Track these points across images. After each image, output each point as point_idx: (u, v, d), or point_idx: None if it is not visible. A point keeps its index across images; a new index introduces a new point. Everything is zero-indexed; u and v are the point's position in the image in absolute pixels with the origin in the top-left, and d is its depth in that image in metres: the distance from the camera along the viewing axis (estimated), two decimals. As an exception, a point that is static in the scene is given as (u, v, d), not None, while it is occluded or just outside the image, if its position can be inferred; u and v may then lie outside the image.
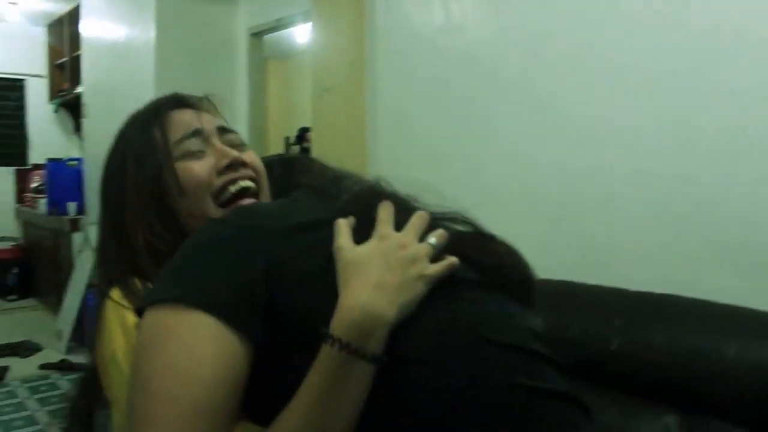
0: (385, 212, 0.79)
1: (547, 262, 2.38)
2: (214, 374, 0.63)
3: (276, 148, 4.80)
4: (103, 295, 0.93)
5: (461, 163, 2.65)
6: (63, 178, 5.37)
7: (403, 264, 0.72)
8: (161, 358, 0.65)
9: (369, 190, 0.87)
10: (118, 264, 0.94)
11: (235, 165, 0.95)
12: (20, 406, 3.79)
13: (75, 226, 5.13)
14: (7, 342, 4.85)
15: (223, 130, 0.99)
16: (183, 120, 0.97)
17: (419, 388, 0.70)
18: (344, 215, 0.79)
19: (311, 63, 3.62)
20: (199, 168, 0.93)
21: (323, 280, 0.73)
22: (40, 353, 4.74)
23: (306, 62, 5.34)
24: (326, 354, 0.67)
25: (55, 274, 5.51)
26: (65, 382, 4.18)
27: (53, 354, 4.70)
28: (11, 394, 3.98)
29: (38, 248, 6.03)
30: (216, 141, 0.97)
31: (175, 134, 0.95)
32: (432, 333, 0.73)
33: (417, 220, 0.80)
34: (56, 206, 5.32)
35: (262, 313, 0.69)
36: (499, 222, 2.69)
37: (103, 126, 4.90)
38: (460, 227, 0.90)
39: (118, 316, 0.91)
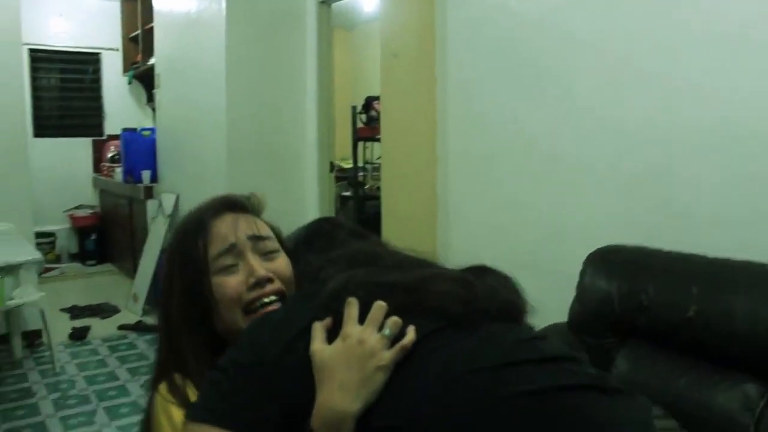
0: (349, 310, 0.90)
1: (624, 227, 2.35)
2: None
3: (343, 116, 4.83)
4: (154, 388, 1.09)
5: (535, 128, 2.62)
6: (137, 147, 5.56)
7: (362, 360, 0.84)
8: None
9: (341, 287, 0.94)
10: (166, 362, 1.10)
11: (261, 283, 1.07)
12: (102, 363, 3.99)
13: (149, 193, 5.32)
14: (87, 304, 5.10)
15: (256, 239, 1.11)
16: (221, 233, 1.09)
17: None
18: (321, 315, 0.91)
19: (381, 29, 3.62)
20: (231, 285, 1.06)
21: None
22: (117, 315, 4.97)
23: (372, 31, 5.34)
24: None
25: (130, 240, 5.74)
26: (142, 342, 4.37)
27: (130, 316, 4.91)
28: (94, 352, 4.19)
29: (114, 215, 6.28)
30: (249, 255, 1.09)
31: (213, 249, 1.08)
32: (405, 399, 0.84)
33: (375, 312, 0.88)
34: (131, 175, 5.51)
35: (272, 425, 0.85)
36: (576, 187, 2.65)
37: (175, 96, 5.04)
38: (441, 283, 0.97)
39: (165, 409, 1.05)
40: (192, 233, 1.11)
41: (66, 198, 6.65)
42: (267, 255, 1.12)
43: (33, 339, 4.23)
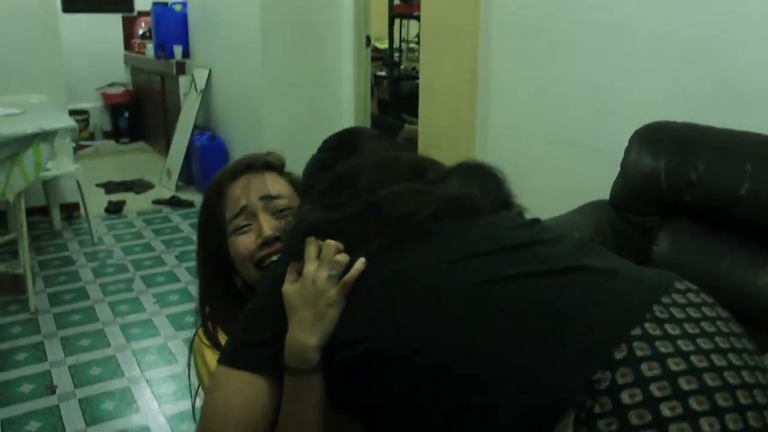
0: (308, 250, 0.97)
1: (676, 103, 2.23)
2: (236, 415, 0.95)
3: (378, 24, 4.65)
4: (196, 332, 1.25)
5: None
6: (169, 22, 5.42)
7: (315, 298, 0.93)
8: (213, 398, 0.98)
9: (305, 226, 1.02)
10: (201, 310, 1.25)
11: (270, 241, 1.16)
12: (138, 235, 4.07)
13: (181, 69, 5.23)
14: (122, 180, 5.15)
15: (267, 199, 1.20)
16: (235, 196, 1.20)
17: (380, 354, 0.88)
18: (291, 255, 1.00)
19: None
20: (243, 244, 1.17)
21: None
22: (152, 190, 5.02)
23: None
24: (286, 376, 0.94)
25: (163, 116, 5.72)
26: (176, 216, 4.43)
27: (164, 191, 4.97)
28: (129, 225, 4.27)
29: (147, 92, 6.23)
30: (260, 215, 1.18)
31: (229, 212, 1.20)
32: (357, 316, 0.92)
33: (325, 252, 0.96)
34: (163, 50, 5.41)
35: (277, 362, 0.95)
36: (629, 61, 2.51)
37: (207, -34, 4.84)
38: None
39: (200, 350, 1.22)
40: (212, 199, 1.23)
41: (97, 75, 6.58)
42: (278, 213, 1.19)
43: (71, 211, 4.32)
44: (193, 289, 3.03)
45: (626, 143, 2.11)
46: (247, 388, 0.95)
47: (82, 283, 3.30)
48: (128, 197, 4.79)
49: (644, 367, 0.75)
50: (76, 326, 2.85)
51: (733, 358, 0.79)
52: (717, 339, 0.81)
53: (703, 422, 0.71)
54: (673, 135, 2.02)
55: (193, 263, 3.55)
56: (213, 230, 1.21)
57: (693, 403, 0.72)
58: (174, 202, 4.67)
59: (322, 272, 0.94)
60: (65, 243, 3.90)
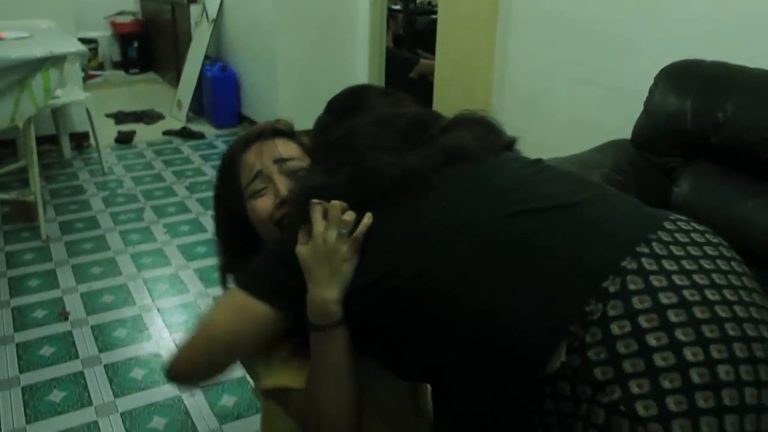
0: (313, 213, 1.03)
1: (707, 42, 2.15)
2: (237, 330, 1.06)
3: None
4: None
5: None
6: (178, -53, 5.26)
7: (328, 257, 0.99)
8: (220, 312, 1.09)
9: (306, 191, 1.08)
10: (222, 268, 1.32)
11: (286, 201, 1.17)
12: (148, 165, 4.04)
13: (192, -3, 5.11)
14: (132, 110, 5.09)
15: (281, 162, 1.24)
16: (249, 163, 1.24)
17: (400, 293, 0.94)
18: (299, 219, 1.06)
19: None
20: (262, 207, 1.21)
21: None
22: (162, 121, 4.97)
23: None
24: (311, 333, 1.02)
25: (173, 47, 5.61)
26: (186, 147, 4.40)
27: (174, 122, 4.91)
28: (140, 155, 4.24)
29: (157, 22, 6.09)
30: (275, 177, 1.22)
31: (245, 178, 1.24)
32: (372, 265, 0.99)
33: (332, 213, 1.01)
34: (173, -22, 5.27)
35: (291, 297, 1.03)
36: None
37: None
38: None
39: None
40: (227, 169, 1.28)
41: (106, 3, 6.43)
42: (293, 174, 1.23)
43: (80, 141, 4.28)
44: (204, 221, 3.04)
45: (651, 82, 2.05)
46: (256, 313, 1.04)
47: (92, 212, 3.30)
48: (138, 128, 4.74)
49: (635, 300, 0.79)
50: (88, 254, 2.86)
51: (728, 293, 0.81)
52: (714, 276, 0.83)
53: (687, 351, 0.75)
54: (701, 74, 1.96)
55: (203, 195, 3.56)
56: (231, 198, 1.27)
57: (679, 334, 0.76)
58: (185, 133, 4.62)
59: (331, 232, 1.01)
60: (75, 172, 3.88)
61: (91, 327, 2.32)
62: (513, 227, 0.90)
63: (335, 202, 1.02)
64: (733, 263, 0.87)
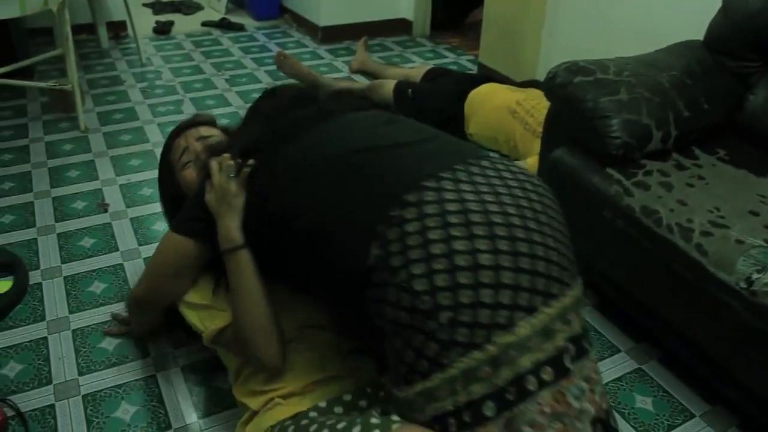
0: (212, 166, 1.37)
1: None
2: (174, 263, 1.46)
3: None
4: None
5: None
6: None
7: (223, 196, 1.33)
8: (159, 252, 1.51)
9: (208, 151, 1.48)
10: (168, 216, 1.76)
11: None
12: (187, 57, 3.94)
13: None
14: (170, 0, 4.94)
15: (202, 139, 1.66)
16: (178, 144, 1.68)
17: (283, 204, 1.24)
18: (206, 175, 1.41)
19: None
20: (190, 177, 1.62)
21: None
22: (201, 12, 4.82)
23: None
24: (225, 258, 1.34)
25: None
26: (226, 39, 4.27)
27: (213, 13, 4.76)
28: (178, 46, 4.13)
29: None
30: (199, 150, 1.62)
31: (175, 155, 1.68)
32: (259, 188, 1.32)
33: (223, 163, 1.36)
34: None
35: (207, 233, 1.37)
36: None
37: None
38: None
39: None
40: (165, 153, 1.72)
41: None
42: (212, 147, 1.52)
43: (118, 30, 4.18)
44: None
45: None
46: (184, 247, 1.42)
47: (131, 104, 3.24)
48: (176, 18, 4.61)
49: (427, 207, 1.03)
50: (126, 146, 2.82)
51: (511, 209, 1.03)
52: (503, 197, 1.05)
53: (457, 243, 0.98)
54: None
55: (243, 88, 3.47)
56: (168, 173, 1.70)
57: (454, 231, 0.99)
58: (224, 25, 4.48)
59: (223, 176, 1.34)
60: (113, 62, 3.81)
61: (131, 219, 2.31)
62: (355, 159, 1.17)
63: (224, 155, 1.36)
64: (531, 195, 1.08)
